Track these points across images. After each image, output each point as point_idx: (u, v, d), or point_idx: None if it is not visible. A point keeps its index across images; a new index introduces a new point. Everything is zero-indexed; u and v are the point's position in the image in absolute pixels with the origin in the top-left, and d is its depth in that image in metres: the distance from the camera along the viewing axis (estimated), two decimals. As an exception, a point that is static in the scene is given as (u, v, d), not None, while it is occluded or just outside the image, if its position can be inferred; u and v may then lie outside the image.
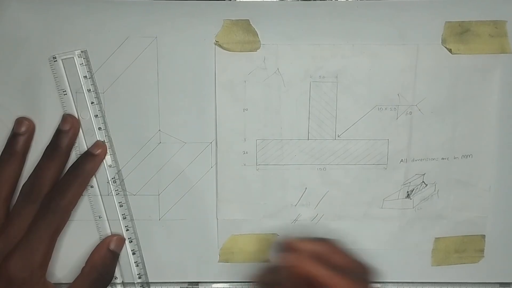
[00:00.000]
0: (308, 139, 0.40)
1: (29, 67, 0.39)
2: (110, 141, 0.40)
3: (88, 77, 0.39)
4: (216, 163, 0.40)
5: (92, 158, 0.39)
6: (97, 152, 0.39)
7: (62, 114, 0.39)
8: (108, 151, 0.40)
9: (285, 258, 0.35)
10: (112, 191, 0.40)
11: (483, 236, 0.42)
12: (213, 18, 0.39)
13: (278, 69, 0.39)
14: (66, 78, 0.39)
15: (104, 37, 0.39)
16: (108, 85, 0.39)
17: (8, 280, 0.35)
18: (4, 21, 0.38)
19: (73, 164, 0.39)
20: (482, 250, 0.42)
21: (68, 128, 0.38)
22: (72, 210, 0.38)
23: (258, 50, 0.39)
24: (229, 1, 0.39)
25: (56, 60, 0.39)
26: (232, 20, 0.39)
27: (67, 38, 0.38)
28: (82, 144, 0.40)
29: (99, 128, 0.40)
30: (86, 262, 0.39)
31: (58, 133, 0.38)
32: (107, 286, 0.39)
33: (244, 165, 0.41)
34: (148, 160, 0.40)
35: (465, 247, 0.42)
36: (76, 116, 0.39)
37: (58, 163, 0.38)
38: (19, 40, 0.38)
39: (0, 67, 0.38)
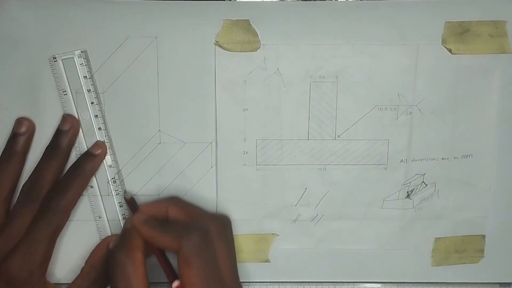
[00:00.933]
0: (308, 139, 0.40)
1: (29, 67, 0.39)
2: (110, 141, 0.40)
3: (88, 77, 0.39)
4: (216, 163, 0.40)
5: (92, 158, 0.39)
6: (97, 152, 0.39)
7: (62, 114, 0.39)
8: (108, 151, 0.40)
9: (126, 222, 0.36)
10: (112, 191, 0.40)
11: (483, 236, 0.42)
12: (213, 18, 0.39)
13: (278, 69, 0.39)
14: (66, 78, 0.39)
15: (104, 37, 0.39)
16: (108, 85, 0.39)
17: (8, 280, 0.35)
18: (4, 20, 0.38)
19: (73, 164, 0.39)
20: (482, 250, 0.42)
21: (68, 128, 0.38)
22: (71, 210, 0.38)
23: (258, 50, 0.39)
24: (229, 1, 0.39)
25: (56, 60, 0.39)
26: (232, 20, 0.39)
27: (67, 38, 0.38)
28: (82, 144, 0.40)
29: (99, 128, 0.40)
30: (86, 262, 0.39)
31: (58, 133, 0.39)
32: (106, 286, 0.39)
33: (244, 165, 0.41)
34: (148, 160, 0.40)
35: (465, 247, 0.42)
36: (76, 116, 0.39)
37: (58, 163, 0.38)
38: (19, 40, 0.38)
39: (2, 66, 0.38)
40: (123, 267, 0.33)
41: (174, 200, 0.37)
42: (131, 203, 0.38)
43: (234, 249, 0.36)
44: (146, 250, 0.34)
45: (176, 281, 0.33)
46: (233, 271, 0.35)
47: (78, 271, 0.39)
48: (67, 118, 0.39)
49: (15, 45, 0.38)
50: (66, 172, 0.38)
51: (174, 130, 0.40)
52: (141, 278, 0.33)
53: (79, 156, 0.39)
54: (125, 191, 0.40)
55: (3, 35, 0.38)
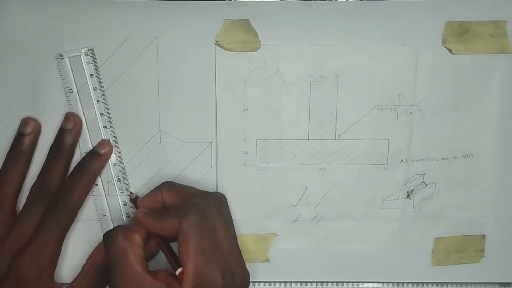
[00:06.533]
0: (308, 139, 0.40)
1: (30, 66, 0.39)
2: (115, 139, 0.40)
3: (94, 75, 0.39)
4: (216, 163, 0.40)
5: (98, 157, 0.39)
6: (103, 151, 0.39)
7: (66, 112, 0.39)
8: (113, 149, 0.40)
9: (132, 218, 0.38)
10: (116, 190, 0.40)
11: (483, 236, 0.42)
12: (213, 18, 0.39)
13: (278, 69, 0.39)
14: (72, 76, 0.39)
15: (105, 37, 0.39)
16: (108, 85, 0.39)
17: (18, 279, 0.35)
18: (5, 20, 0.38)
19: (79, 163, 0.39)
20: (482, 250, 0.42)
21: (71, 126, 0.38)
22: (79, 209, 0.38)
23: (258, 50, 0.39)
24: (229, 1, 0.39)
25: (63, 58, 0.39)
26: (232, 20, 0.39)
27: (67, 38, 0.39)
28: (87, 143, 0.40)
29: (105, 127, 0.40)
30: (87, 260, 0.39)
31: (62, 132, 0.39)
32: (106, 286, 0.39)
33: (244, 165, 0.41)
34: (148, 160, 0.40)
35: (465, 247, 0.42)
36: (82, 114, 0.39)
37: (63, 162, 0.38)
38: (19, 40, 0.38)
39: (4, 66, 0.38)
40: (120, 245, 0.34)
41: (166, 185, 0.38)
42: (136, 202, 0.38)
43: (232, 223, 0.37)
44: (148, 243, 0.36)
45: (179, 268, 0.34)
46: (232, 244, 0.36)
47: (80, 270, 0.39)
48: (70, 116, 0.39)
49: (15, 44, 0.38)
50: (72, 171, 0.38)
51: (174, 130, 0.40)
52: (138, 257, 0.34)
53: (84, 155, 0.39)
54: (130, 192, 0.40)
55: (3, 35, 0.38)
